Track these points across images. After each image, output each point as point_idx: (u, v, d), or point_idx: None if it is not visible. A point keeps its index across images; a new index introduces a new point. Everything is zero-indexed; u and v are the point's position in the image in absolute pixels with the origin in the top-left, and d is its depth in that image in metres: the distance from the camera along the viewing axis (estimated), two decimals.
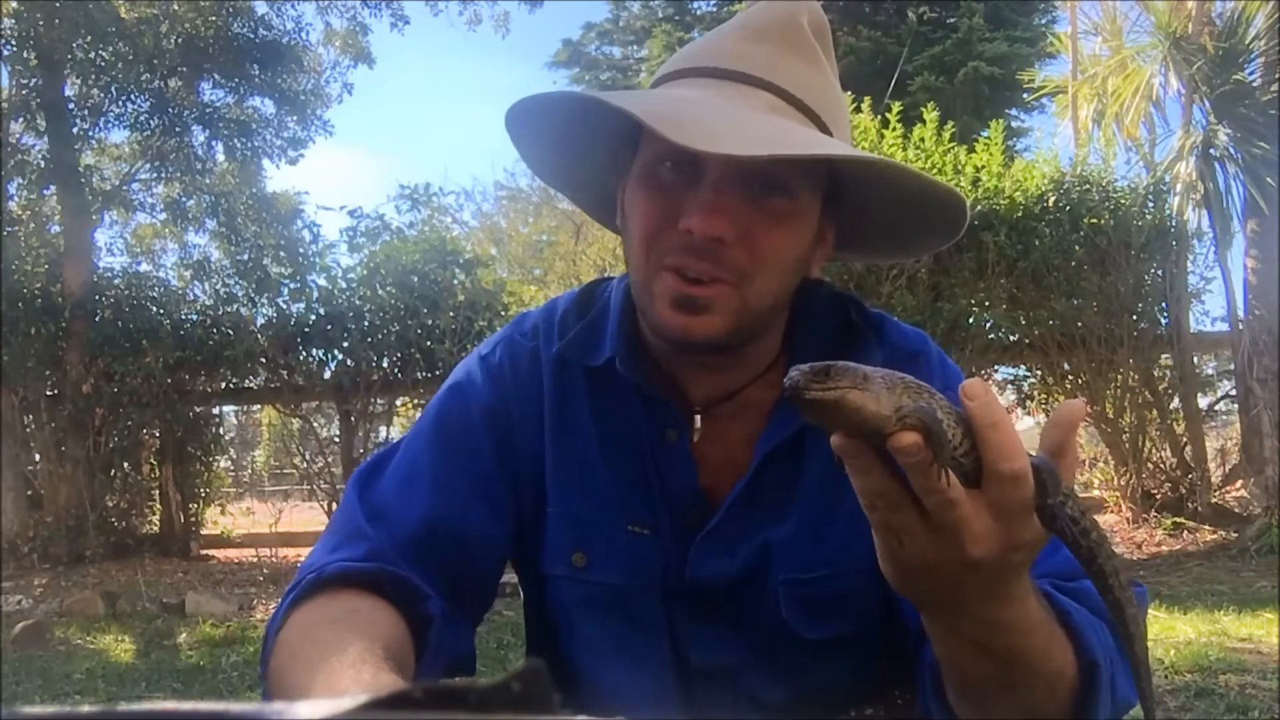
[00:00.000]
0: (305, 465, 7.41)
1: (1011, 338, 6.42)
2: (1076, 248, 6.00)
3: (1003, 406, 0.60)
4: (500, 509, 0.91)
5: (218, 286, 7.65)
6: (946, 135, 6.09)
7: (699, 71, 0.87)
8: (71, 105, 8.37)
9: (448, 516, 0.87)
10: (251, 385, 7.59)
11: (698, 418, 0.91)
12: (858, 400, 0.55)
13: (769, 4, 0.88)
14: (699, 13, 15.91)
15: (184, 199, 9.93)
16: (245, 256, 8.49)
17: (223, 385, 7.50)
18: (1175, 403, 6.56)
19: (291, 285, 7.30)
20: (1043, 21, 13.58)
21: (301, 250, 7.91)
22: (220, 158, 9.75)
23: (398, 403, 7.51)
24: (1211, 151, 6.84)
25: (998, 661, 0.68)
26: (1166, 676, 3.17)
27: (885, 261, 4.62)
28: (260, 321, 7.20)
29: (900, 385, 0.58)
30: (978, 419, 0.59)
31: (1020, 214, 5.98)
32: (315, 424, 7.80)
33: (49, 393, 7.11)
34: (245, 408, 9.54)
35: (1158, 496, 6.25)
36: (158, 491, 7.45)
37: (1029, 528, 0.61)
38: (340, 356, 7.00)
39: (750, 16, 0.88)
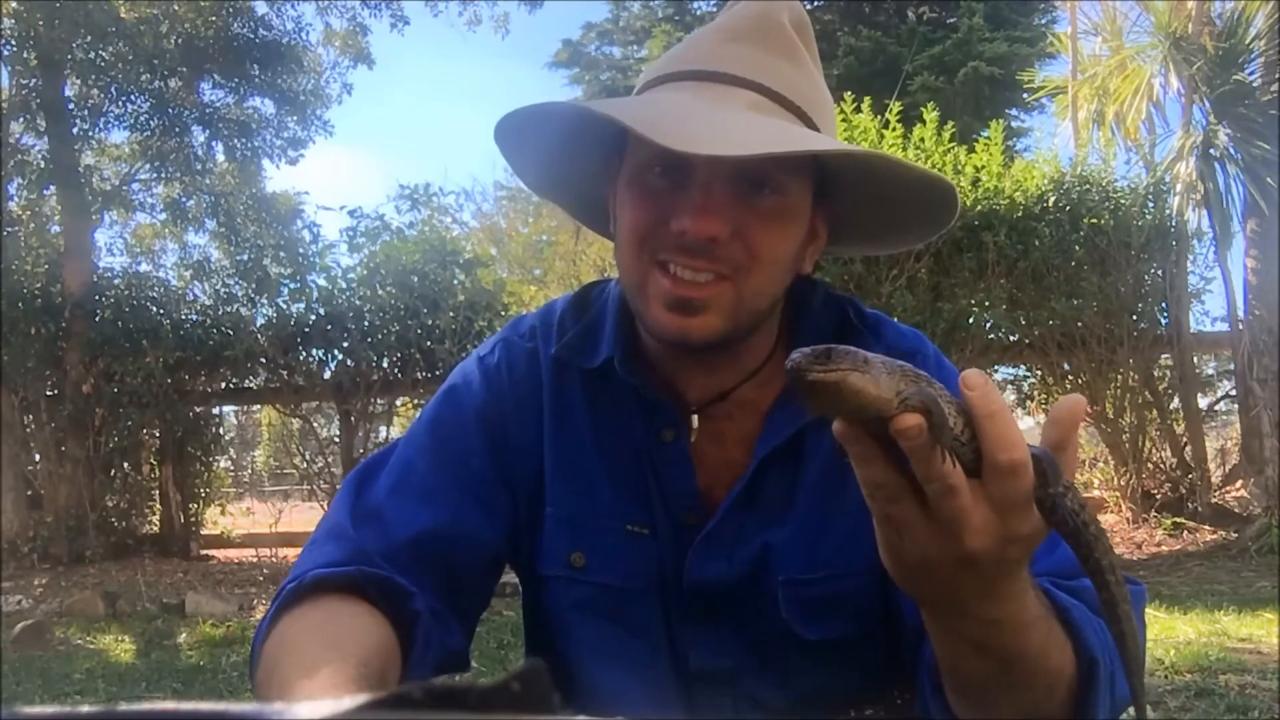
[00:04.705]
0: (305, 465, 7.41)
1: (1011, 338, 6.42)
2: (1076, 248, 6.00)
3: (1001, 397, 0.60)
4: (494, 512, 0.91)
5: (218, 286, 7.67)
6: (946, 135, 6.09)
7: (680, 75, 0.87)
8: (71, 105, 8.37)
9: (440, 522, 0.87)
10: (251, 385, 7.60)
11: (695, 418, 0.91)
12: (858, 383, 0.55)
13: (748, 4, 0.88)
14: (699, 13, 15.90)
15: (184, 199, 9.95)
16: (245, 256, 8.50)
17: (223, 385, 7.51)
18: (1175, 403, 6.57)
19: (291, 285, 7.31)
20: (1043, 21, 13.58)
21: (301, 250, 7.91)
22: (220, 158, 9.78)
23: (398, 403, 7.51)
24: (1211, 151, 6.83)
25: (996, 660, 0.68)
26: (1166, 676, 3.17)
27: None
28: (260, 321, 7.21)
29: (899, 372, 0.58)
30: (976, 409, 0.59)
31: (1020, 214, 5.98)
32: (315, 424, 7.81)
33: (49, 393, 7.12)
34: (245, 408, 9.56)
35: (1158, 496, 6.25)
36: (158, 491, 7.45)
37: (1027, 521, 0.60)
38: (340, 356, 7.01)
39: (730, 18, 0.88)
